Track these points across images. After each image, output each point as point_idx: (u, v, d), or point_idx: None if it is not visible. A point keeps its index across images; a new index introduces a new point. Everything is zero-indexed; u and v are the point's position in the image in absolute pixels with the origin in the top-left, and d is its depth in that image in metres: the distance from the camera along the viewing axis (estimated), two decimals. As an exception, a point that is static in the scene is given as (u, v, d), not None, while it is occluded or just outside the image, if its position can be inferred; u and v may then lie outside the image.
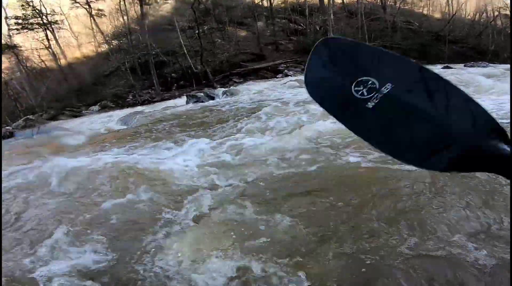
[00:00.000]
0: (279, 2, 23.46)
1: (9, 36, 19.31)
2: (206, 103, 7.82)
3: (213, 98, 8.59)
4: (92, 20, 18.96)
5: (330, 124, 3.16)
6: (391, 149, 0.44)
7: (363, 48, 0.53)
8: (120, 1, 18.23)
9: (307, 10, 20.68)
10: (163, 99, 13.80)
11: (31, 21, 18.81)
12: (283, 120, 3.92)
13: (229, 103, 6.60)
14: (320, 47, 0.54)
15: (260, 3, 23.02)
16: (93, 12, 18.76)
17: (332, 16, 16.30)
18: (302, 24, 21.23)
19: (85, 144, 5.01)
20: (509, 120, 2.60)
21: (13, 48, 18.58)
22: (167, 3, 23.96)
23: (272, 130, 3.59)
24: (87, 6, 18.31)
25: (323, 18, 18.24)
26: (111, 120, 8.68)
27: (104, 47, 22.23)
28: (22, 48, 19.61)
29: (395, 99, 0.45)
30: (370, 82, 0.47)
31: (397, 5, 19.52)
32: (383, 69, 0.48)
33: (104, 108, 14.59)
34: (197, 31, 16.38)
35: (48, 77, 19.64)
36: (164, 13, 23.42)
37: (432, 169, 0.41)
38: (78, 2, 18.29)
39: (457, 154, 0.39)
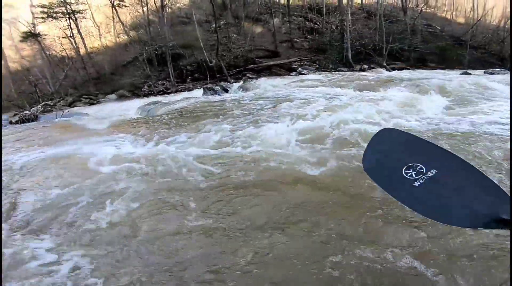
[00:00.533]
0: (296, 0, 23.39)
1: (33, 24, 19.90)
2: (222, 96, 8.02)
3: (228, 92, 8.79)
4: (113, 10, 19.32)
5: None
6: (430, 214, 0.62)
7: (415, 140, 0.73)
8: None
9: (324, 9, 20.60)
10: (177, 91, 14.09)
11: (56, 9, 19.29)
12: (301, 112, 4.08)
13: (245, 97, 6.77)
14: (379, 136, 0.74)
15: (277, 0, 23.04)
16: (115, 3, 19.11)
17: (349, 17, 16.19)
18: (318, 23, 21.15)
19: (110, 130, 5.28)
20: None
21: (36, 36, 19.14)
22: None
23: (289, 122, 3.75)
24: None
25: (340, 18, 18.14)
26: (130, 108, 8.97)
27: (123, 38, 22.67)
28: (45, 37, 20.16)
29: (438, 181, 0.62)
30: (419, 167, 0.63)
31: (419, 8, 19.22)
32: (430, 158, 0.65)
33: (120, 97, 15.01)
34: (213, 25, 16.58)
35: (68, 65, 20.22)
36: (182, 5, 23.74)
37: (467, 226, 0.67)
38: None
39: (480, 216, 0.57)
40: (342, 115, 3.55)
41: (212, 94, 8.38)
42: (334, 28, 19.37)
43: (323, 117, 3.77)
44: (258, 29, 21.36)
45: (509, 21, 18.51)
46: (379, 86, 6.40)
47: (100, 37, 22.18)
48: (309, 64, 15.38)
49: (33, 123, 8.39)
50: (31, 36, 19.00)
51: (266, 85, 9.50)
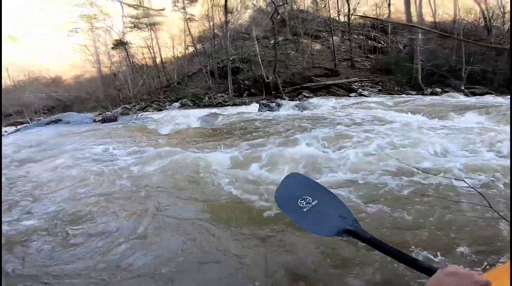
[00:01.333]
0: (357, 18, 22.74)
1: (123, 33, 23.10)
2: (277, 113, 8.13)
3: (283, 109, 8.88)
4: (185, 24, 21.41)
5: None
6: (309, 228, 0.98)
7: (308, 180, 1.14)
8: (208, 8, 20.31)
9: (390, 28, 19.62)
10: (234, 104, 14.77)
11: (141, 20, 22.08)
12: (361, 139, 3.88)
13: (301, 116, 6.75)
14: (288, 177, 1.16)
15: (337, 18, 22.78)
16: (187, 17, 21.18)
17: (420, 35, 15.06)
18: (382, 42, 20.20)
19: (174, 136, 5.78)
20: None
21: (124, 44, 22.13)
22: (246, 12, 25.58)
23: (348, 146, 3.59)
24: (183, 11, 20.80)
25: (409, 37, 17.01)
26: (190, 116, 9.68)
27: (191, 50, 24.92)
28: (131, 45, 23.18)
29: (317, 207, 1.00)
30: (307, 199, 1.00)
31: (505, 26, 16.94)
32: (315, 193, 1.04)
33: (183, 106, 16.35)
34: (272, 41, 17.14)
35: (145, 73, 22.90)
36: (243, 22, 25.17)
37: (329, 235, 0.93)
38: (176, 6, 20.92)
39: (336, 228, 0.92)
40: (413, 152, 3.25)
41: (267, 110, 8.57)
42: (401, 47, 18.25)
43: (387, 149, 3.51)
44: (317, 47, 21.30)
45: None
46: (458, 112, 5.73)
47: (173, 48, 24.71)
48: (371, 85, 14.64)
49: (113, 123, 9.66)
50: (121, 44, 22.05)
51: (324, 105, 9.33)
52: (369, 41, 20.31)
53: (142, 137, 5.92)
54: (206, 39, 22.88)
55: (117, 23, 23.92)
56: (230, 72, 14.91)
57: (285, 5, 17.25)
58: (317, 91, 14.72)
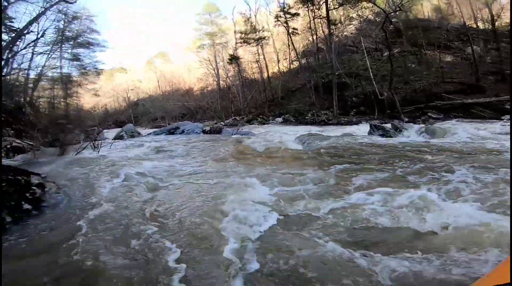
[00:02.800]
0: (503, 24, 17.34)
1: (235, 48, 25.49)
2: (396, 139, 6.55)
3: (402, 134, 7.16)
4: (288, 38, 21.61)
5: None
6: None
7: None
8: (310, 21, 19.75)
9: None
10: (339, 123, 13.50)
11: (249, 35, 23.81)
12: None
13: (432, 147, 5.07)
14: None
15: (475, 25, 18.07)
16: (290, 31, 21.30)
17: None
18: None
19: (266, 157, 5.35)
20: None
21: (237, 59, 24.35)
22: (352, 24, 23.66)
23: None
24: (286, 25, 21.06)
25: None
26: (290, 133, 9.23)
27: (295, 64, 25.03)
28: (242, 60, 25.31)
29: None
30: None
31: None
32: None
33: (286, 121, 16.26)
34: (386, 53, 14.86)
35: (254, 87, 24.46)
36: (348, 33, 23.32)
37: None
38: (279, 21, 21.46)
39: None
40: None
41: (381, 134, 7.07)
42: None
43: None
44: (447, 58, 17.44)
45: None
46: None
47: (277, 63, 25.51)
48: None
49: (217, 135, 10.33)
50: (234, 58, 24.39)
51: (462, 131, 7.03)
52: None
53: (232, 153, 5.81)
54: (310, 53, 22.50)
55: (231, 39, 26.53)
56: (335, 87, 13.80)
57: (398, 11, 14.78)
58: (449, 112, 11.69)
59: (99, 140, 7.01)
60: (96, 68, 17.29)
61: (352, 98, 14.83)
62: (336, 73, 15.95)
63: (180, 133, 10.47)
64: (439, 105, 11.93)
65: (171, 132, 10.87)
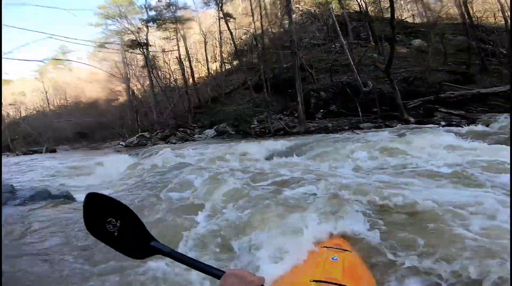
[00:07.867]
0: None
1: (140, 30, 18.82)
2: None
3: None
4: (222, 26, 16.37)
5: None
6: (120, 250, 0.83)
7: (110, 200, 0.88)
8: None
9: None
10: (307, 132, 8.53)
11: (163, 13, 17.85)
12: None
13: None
14: (88, 200, 0.87)
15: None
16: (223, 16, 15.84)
17: None
18: None
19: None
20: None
21: (146, 46, 18.00)
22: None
23: None
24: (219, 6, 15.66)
25: None
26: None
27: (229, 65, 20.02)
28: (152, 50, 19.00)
29: (122, 229, 0.82)
30: (112, 221, 0.83)
31: None
32: (117, 213, 0.85)
33: (221, 134, 10.47)
34: (338, 44, 10.64)
35: (176, 95, 18.02)
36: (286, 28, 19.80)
37: (141, 258, 0.82)
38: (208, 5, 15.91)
39: (142, 249, 0.81)
40: None
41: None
42: None
43: None
44: (402, 50, 14.44)
45: None
46: None
47: (207, 62, 20.06)
48: None
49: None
50: (140, 45, 17.86)
51: None
52: None
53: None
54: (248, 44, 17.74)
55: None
56: (299, 77, 8.75)
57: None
58: (463, 106, 7.84)
59: None
60: None
61: (320, 92, 9.91)
62: (285, 65, 11.08)
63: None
64: (453, 96, 8.04)
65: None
